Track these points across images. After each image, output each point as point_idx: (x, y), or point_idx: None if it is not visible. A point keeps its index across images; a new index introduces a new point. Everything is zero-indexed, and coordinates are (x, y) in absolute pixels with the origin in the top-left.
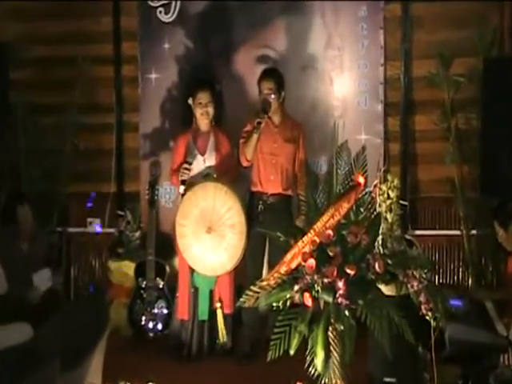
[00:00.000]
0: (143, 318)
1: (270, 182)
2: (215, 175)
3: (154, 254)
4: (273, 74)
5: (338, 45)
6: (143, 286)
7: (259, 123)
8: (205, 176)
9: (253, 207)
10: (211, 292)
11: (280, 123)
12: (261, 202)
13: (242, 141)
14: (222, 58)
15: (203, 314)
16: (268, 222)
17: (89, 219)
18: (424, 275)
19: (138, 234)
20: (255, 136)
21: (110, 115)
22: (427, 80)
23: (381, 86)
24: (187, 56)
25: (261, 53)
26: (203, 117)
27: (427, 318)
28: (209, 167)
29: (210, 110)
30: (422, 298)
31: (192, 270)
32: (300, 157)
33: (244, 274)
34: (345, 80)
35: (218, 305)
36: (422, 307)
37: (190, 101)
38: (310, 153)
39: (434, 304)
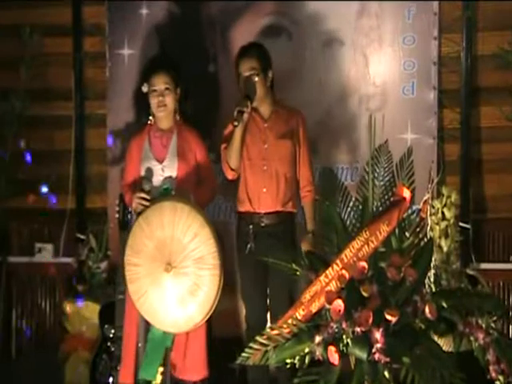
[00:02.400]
0: (110, 379)
1: (262, 197)
2: (173, 191)
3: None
4: (255, 50)
5: (376, 11)
6: (111, 335)
7: (241, 112)
8: (162, 191)
9: (241, 233)
10: (167, 350)
11: (270, 115)
12: (251, 226)
13: (223, 146)
14: (218, 28)
15: (149, 374)
16: (263, 252)
17: (37, 245)
18: (493, 324)
19: (104, 265)
20: (238, 133)
21: (68, 105)
22: (496, 59)
23: (434, 68)
24: (171, 25)
25: (270, 22)
26: (159, 109)
27: (497, 383)
28: (170, 179)
29: (169, 99)
30: (489, 356)
31: (146, 322)
32: (302, 155)
33: (233, 322)
34: (384, 59)
35: (161, 369)
36: (491, 368)
37: (145, 88)
38: (336, 157)
39: (507, 364)
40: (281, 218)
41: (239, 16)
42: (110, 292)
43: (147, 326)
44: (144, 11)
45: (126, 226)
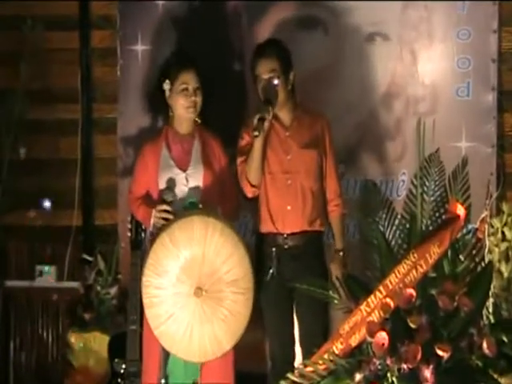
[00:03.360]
0: None
1: (286, 216)
2: (200, 205)
3: (140, 322)
4: (274, 49)
5: (425, 1)
6: (121, 370)
7: (262, 120)
8: (188, 205)
9: (263, 256)
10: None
11: (291, 123)
12: (274, 249)
13: (240, 160)
14: (244, 20)
15: None
16: (287, 277)
17: (39, 267)
18: None
19: (113, 290)
20: (259, 144)
21: (73, 107)
22: None
23: (493, 66)
24: (190, 18)
25: (303, 13)
26: (189, 111)
27: None
28: (194, 190)
29: (199, 99)
30: None
31: (166, 354)
32: (328, 165)
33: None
34: (435, 56)
35: None
36: None
37: (167, 85)
38: (379, 168)
39: None
40: (307, 239)
41: (268, 7)
42: (121, 321)
43: (167, 358)
44: (160, 2)
45: (139, 246)
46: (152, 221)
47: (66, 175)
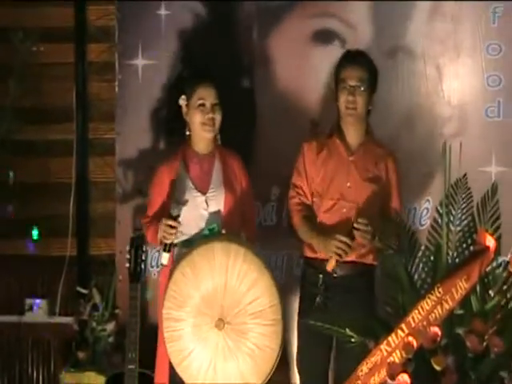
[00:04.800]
0: None
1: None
2: (223, 230)
3: (138, 362)
4: (366, 60)
5: (452, 12)
6: None
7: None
8: (208, 233)
9: (308, 284)
10: None
11: (358, 147)
12: (321, 276)
13: (294, 193)
14: (254, 33)
15: None
16: (335, 309)
17: (28, 300)
18: None
19: (110, 326)
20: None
21: (68, 127)
22: None
23: None
24: (196, 30)
25: (318, 25)
26: (206, 127)
27: None
28: (215, 214)
29: (217, 116)
30: None
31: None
32: (393, 206)
33: None
34: (462, 73)
35: None
36: None
37: (183, 101)
38: (401, 194)
39: None
40: (358, 270)
41: (280, 18)
42: (118, 360)
43: None
44: (163, 12)
45: (138, 278)
46: (159, 235)
47: (59, 200)
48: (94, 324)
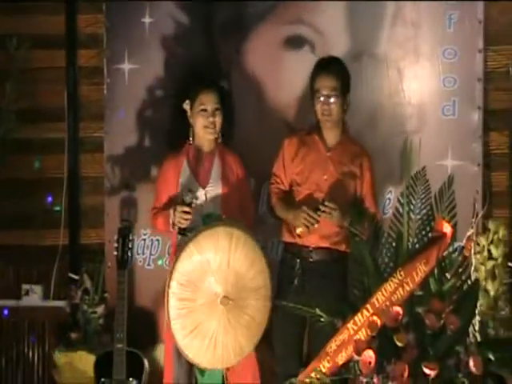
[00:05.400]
0: None
1: (313, 230)
2: (224, 216)
3: (126, 341)
4: (337, 67)
5: (412, 18)
6: None
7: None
8: (206, 216)
9: (286, 267)
10: None
11: (335, 145)
12: (299, 261)
13: (274, 187)
14: (232, 39)
15: None
16: (310, 292)
17: (24, 286)
18: None
19: (100, 309)
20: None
21: (59, 126)
22: None
23: (478, 84)
24: (178, 36)
25: (291, 32)
26: (208, 130)
27: None
28: (213, 201)
29: (218, 120)
30: None
31: (189, 366)
32: (367, 202)
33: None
34: (422, 75)
35: None
36: None
37: (187, 105)
38: None
39: None
40: (332, 256)
41: (256, 25)
42: (107, 340)
43: (190, 372)
44: (147, 20)
45: (125, 265)
46: (171, 220)
47: (52, 194)
48: (85, 307)
